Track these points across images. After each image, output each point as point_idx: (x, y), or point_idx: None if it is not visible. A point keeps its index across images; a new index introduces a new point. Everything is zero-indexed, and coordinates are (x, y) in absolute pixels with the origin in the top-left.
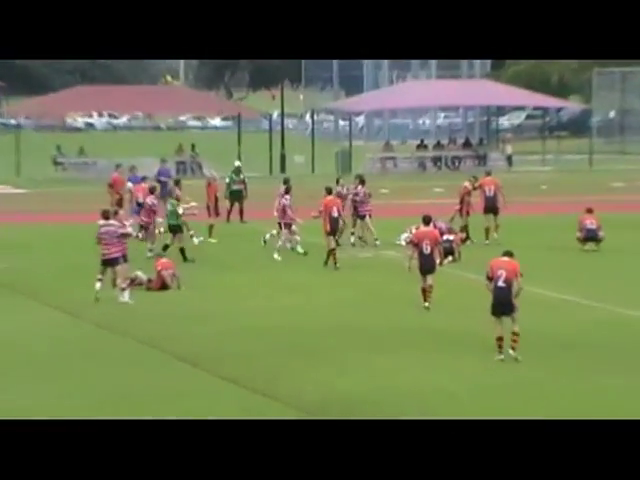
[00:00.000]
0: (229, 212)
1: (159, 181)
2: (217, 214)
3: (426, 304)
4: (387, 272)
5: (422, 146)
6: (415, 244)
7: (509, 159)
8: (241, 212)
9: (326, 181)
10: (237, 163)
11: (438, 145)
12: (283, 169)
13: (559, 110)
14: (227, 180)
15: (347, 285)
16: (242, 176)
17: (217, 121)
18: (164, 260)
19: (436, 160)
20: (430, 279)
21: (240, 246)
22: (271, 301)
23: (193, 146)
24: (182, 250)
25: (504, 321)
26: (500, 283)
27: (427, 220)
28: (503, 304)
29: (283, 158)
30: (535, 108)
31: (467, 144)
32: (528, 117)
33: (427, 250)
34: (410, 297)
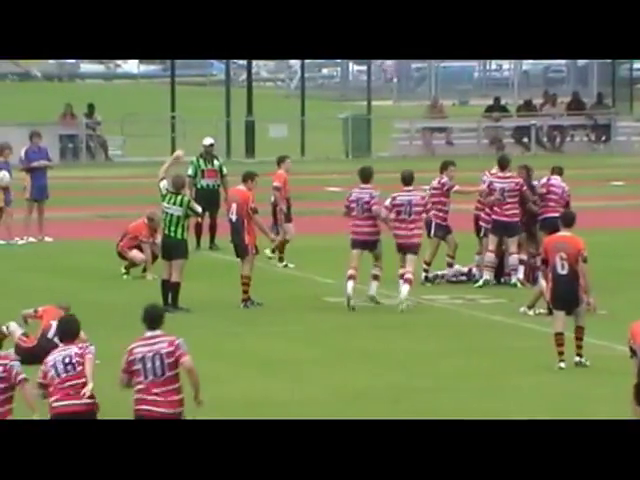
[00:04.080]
0: (199, 226)
1: (29, 169)
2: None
3: (576, 357)
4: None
5: (497, 108)
6: (545, 261)
7: None
8: (212, 228)
9: (327, 169)
10: (208, 140)
11: (526, 106)
12: (250, 149)
13: None
14: (190, 171)
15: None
16: (217, 163)
17: (134, 64)
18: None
19: (521, 133)
20: (580, 318)
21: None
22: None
23: (91, 108)
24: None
25: None
26: None
27: (569, 220)
28: None
29: (251, 129)
30: None
31: (576, 104)
32: None
33: (563, 269)
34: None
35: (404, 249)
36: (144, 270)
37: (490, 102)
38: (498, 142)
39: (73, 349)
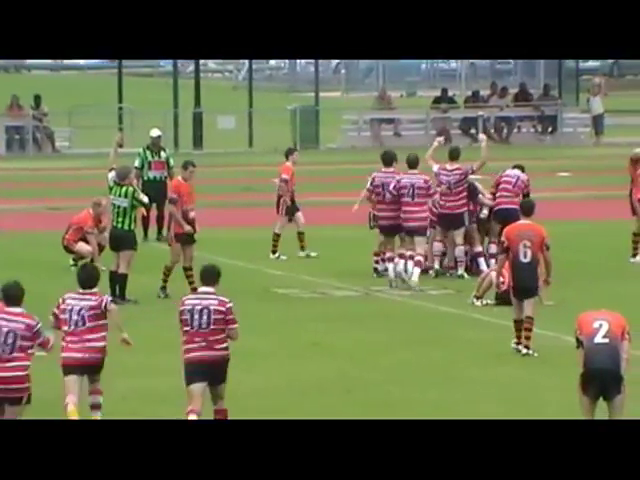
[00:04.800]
0: (146, 217)
1: None
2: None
3: (523, 349)
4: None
5: (445, 100)
6: (505, 248)
7: (597, 122)
8: (160, 220)
9: (276, 160)
10: (155, 132)
11: (473, 97)
12: (198, 140)
13: None
14: (136, 163)
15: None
16: (165, 155)
17: None
18: None
19: (468, 124)
20: (529, 307)
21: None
22: None
23: (38, 99)
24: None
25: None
26: (599, 339)
27: (528, 209)
28: (605, 378)
29: (198, 121)
30: None
31: (523, 96)
32: None
33: (526, 257)
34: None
35: (409, 231)
36: (92, 261)
37: (438, 93)
38: (446, 133)
39: (91, 301)
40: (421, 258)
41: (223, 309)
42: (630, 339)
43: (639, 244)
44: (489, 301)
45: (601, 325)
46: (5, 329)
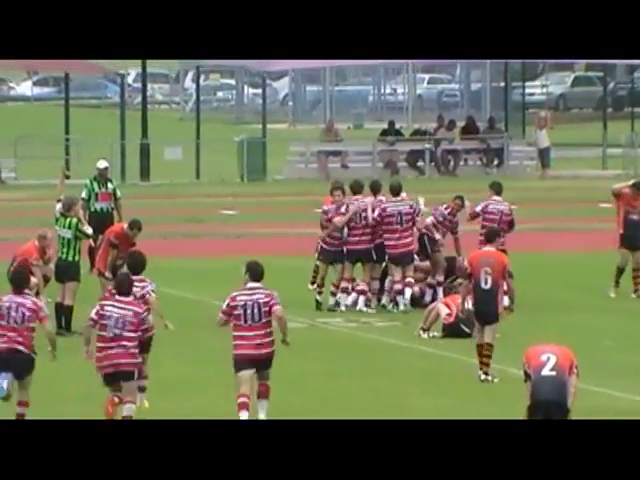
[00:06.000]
0: (93, 248)
1: None
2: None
3: (482, 375)
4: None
5: (392, 132)
6: (469, 274)
7: (544, 155)
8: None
9: (223, 191)
10: (103, 164)
11: (420, 132)
12: (145, 172)
13: (633, 70)
14: (83, 194)
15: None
16: (111, 186)
17: (27, 87)
18: None
19: (415, 157)
20: (489, 333)
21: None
22: None
23: None
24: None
25: None
26: (546, 371)
27: (492, 235)
28: (551, 410)
29: (145, 152)
30: (590, 66)
31: (470, 129)
32: (578, 82)
33: (487, 284)
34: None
35: (395, 260)
36: (37, 293)
37: (385, 126)
38: (393, 166)
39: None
40: (412, 280)
41: (268, 299)
42: (578, 373)
43: (638, 279)
44: (436, 333)
45: (549, 358)
46: (116, 315)
